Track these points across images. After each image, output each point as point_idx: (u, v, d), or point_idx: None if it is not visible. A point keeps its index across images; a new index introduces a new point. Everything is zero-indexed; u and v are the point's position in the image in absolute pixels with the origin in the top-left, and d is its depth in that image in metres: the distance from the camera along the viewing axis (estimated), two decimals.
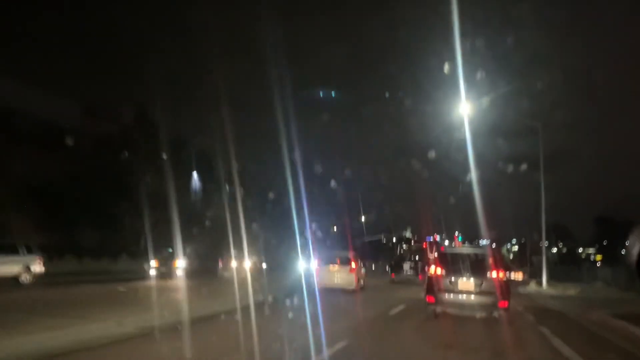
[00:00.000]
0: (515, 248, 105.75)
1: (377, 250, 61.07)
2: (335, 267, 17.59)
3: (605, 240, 79.28)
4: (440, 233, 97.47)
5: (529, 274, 46.58)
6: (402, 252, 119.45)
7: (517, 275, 45.17)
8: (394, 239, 68.39)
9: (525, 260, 54.90)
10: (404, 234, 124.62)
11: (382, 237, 57.06)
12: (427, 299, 11.18)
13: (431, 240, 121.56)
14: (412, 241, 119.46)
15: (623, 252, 33.00)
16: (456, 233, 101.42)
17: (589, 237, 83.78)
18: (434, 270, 11.25)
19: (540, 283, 26.15)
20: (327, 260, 17.91)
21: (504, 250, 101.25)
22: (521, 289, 26.04)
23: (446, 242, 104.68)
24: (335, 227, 49.78)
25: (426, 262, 24.89)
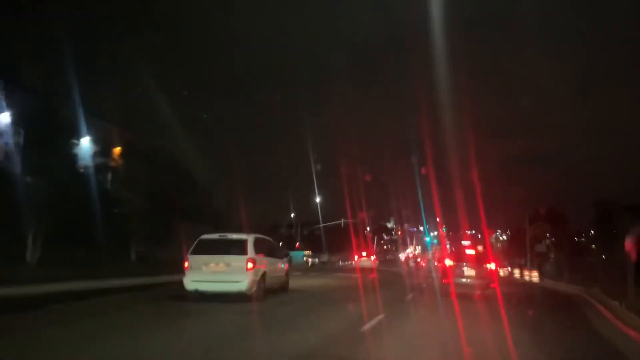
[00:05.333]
0: (504, 237, 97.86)
1: (338, 238, 49.84)
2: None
3: (599, 227, 69.88)
4: (422, 223, 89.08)
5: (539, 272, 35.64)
6: (382, 241, 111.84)
7: (533, 275, 30.46)
8: (368, 228, 57.70)
9: (523, 253, 44.91)
10: (386, 224, 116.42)
11: (342, 222, 46.16)
12: (443, 281, 15.89)
13: (414, 230, 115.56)
14: (395, 231, 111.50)
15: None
16: (438, 220, 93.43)
17: (587, 222, 73.23)
18: (449, 261, 16.05)
19: None
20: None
21: (492, 239, 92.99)
22: None
23: (432, 234, 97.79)
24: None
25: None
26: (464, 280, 14.77)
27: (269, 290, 12.18)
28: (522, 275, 34.12)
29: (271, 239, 14.74)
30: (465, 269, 14.93)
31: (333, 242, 48.91)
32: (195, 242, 11.72)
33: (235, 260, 11.21)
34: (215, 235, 12.13)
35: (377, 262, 44.94)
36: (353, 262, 49.48)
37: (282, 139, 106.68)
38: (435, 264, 42.38)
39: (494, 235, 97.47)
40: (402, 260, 72.82)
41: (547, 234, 47.02)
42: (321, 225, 37.36)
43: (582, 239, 76.19)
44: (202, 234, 12.18)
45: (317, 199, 36.74)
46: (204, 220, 28.03)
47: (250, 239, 11.77)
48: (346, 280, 22.59)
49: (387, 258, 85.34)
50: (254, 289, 11.17)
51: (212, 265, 11.21)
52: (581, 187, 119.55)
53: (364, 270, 31.85)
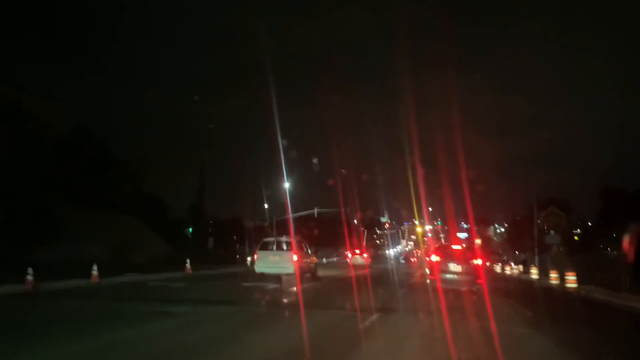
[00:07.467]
0: (502, 230, 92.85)
1: (321, 232, 44.61)
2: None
3: (606, 217, 64.52)
4: (416, 217, 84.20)
5: (536, 266, 29.12)
6: (374, 235, 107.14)
7: (569, 280, 19.16)
8: (355, 220, 52.12)
9: (528, 246, 39.34)
10: (379, 218, 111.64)
11: (315, 211, 41.02)
12: (429, 277, 16.65)
13: (408, 224, 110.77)
14: (385, 225, 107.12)
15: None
16: (430, 209, 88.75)
17: (594, 212, 67.39)
18: (435, 257, 15.90)
19: None
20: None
21: (491, 231, 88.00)
22: None
23: (427, 228, 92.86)
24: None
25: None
26: (449, 276, 14.97)
27: (304, 275, 18.47)
28: (546, 275, 24.49)
29: (304, 241, 21.40)
30: (451, 264, 15.13)
31: (313, 237, 43.37)
32: (260, 243, 19.04)
33: (286, 254, 18.01)
34: (272, 239, 19.87)
35: (370, 259, 44.99)
36: (340, 259, 49.25)
37: (256, 132, 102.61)
38: (427, 259, 38.99)
39: (491, 228, 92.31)
40: (391, 257, 69.58)
41: (563, 223, 41.39)
42: (289, 215, 31.47)
43: (577, 231, 70.76)
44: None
45: (286, 185, 30.88)
46: (131, 210, 22.17)
47: (294, 240, 18.76)
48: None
49: (379, 254, 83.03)
50: (297, 273, 17.17)
51: (271, 257, 18.02)
52: (584, 179, 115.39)
53: (357, 267, 33.65)
